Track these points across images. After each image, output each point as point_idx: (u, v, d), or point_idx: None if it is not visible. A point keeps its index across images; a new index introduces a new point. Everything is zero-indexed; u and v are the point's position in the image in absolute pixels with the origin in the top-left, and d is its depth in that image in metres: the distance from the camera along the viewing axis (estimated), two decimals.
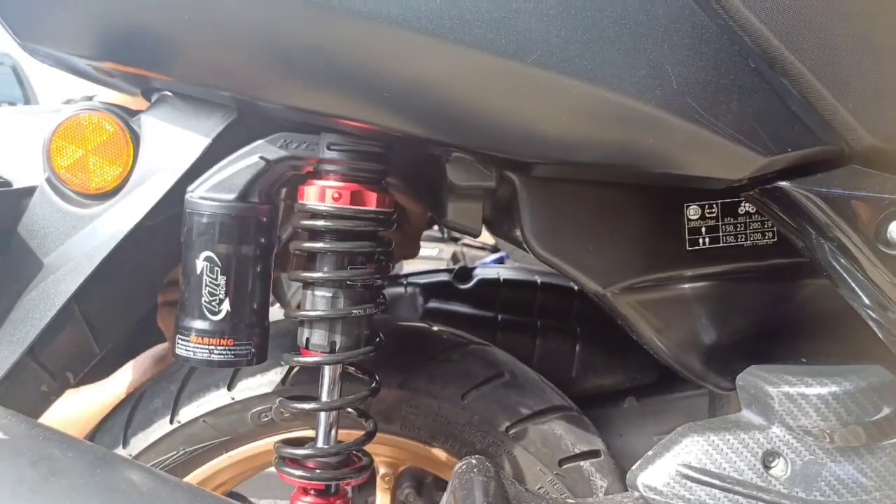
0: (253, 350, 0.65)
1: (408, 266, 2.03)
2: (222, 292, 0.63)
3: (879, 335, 0.61)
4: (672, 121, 0.50)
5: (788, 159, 0.49)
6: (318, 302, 0.65)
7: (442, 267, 1.31)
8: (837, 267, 0.54)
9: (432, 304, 1.09)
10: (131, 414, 0.77)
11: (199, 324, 0.63)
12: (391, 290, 1.13)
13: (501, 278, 1.14)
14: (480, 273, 1.16)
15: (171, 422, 0.76)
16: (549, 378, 0.87)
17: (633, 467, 0.66)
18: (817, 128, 0.48)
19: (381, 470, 0.85)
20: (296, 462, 0.67)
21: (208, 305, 0.63)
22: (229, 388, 0.76)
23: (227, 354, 0.63)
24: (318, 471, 0.66)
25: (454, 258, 2.46)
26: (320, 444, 0.66)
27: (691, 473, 0.63)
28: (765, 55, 0.47)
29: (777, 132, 0.48)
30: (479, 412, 0.79)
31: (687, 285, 0.67)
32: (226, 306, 0.63)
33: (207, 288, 0.63)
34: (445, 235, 2.52)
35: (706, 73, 0.48)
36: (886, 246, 0.50)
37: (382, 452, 0.82)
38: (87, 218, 0.68)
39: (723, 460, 0.63)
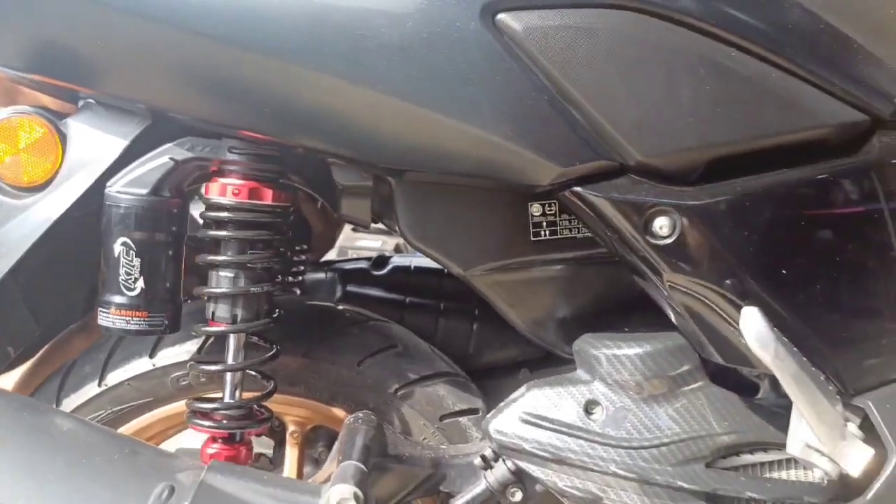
0: (166, 321, 0.77)
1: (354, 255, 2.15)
2: (136, 272, 0.75)
3: (664, 309, 0.76)
4: (490, 138, 0.64)
5: (579, 170, 0.64)
6: (222, 281, 0.77)
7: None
8: (624, 255, 0.69)
9: (350, 288, 1.22)
10: (63, 379, 0.89)
11: (118, 298, 0.75)
12: (313, 276, 1.26)
13: (412, 266, 1.28)
14: (396, 261, 1.30)
15: (99, 385, 0.88)
16: (449, 353, 1.01)
17: (487, 416, 0.80)
18: (597, 146, 0.63)
19: (290, 427, 0.98)
20: (205, 415, 0.79)
21: (125, 283, 0.75)
22: (151, 356, 0.89)
23: (142, 324, 0.76)
24: (224, 422, 0.79)
25: (397, 249, 2.59)
26: (226, 399, 0.79)
27: (529, 419, 0.78)
28: (555, 89, 0.62)
29: (568, 149, 0.63)
30: (373, 377, 0.92)
31: (533, 270, 0.81)
32: (140, 284, 0.75)
33: (124, 268, 0.75)
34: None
35: (512, 103, 0.62)
36: (653, 237, 0.65)
37: (290, 412, 0.95)
38: (21, 207, 0.79)
39: (554, 408, 0.78)
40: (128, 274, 0.75)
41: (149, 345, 0.89)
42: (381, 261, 1.29)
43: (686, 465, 0.74)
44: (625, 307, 0.84)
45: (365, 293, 1.21)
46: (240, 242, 0.77)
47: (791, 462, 0.76)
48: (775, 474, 0.76)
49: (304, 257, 1.17)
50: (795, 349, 0.61)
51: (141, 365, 0.89)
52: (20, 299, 0.87)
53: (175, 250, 0.77)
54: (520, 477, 0.81)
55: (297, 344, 0.91)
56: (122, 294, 0.75)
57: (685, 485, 0.74)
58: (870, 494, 0.65)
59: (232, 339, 0.79)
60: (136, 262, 0.75)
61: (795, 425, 0.69)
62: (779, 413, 0.75)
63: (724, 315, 0.66)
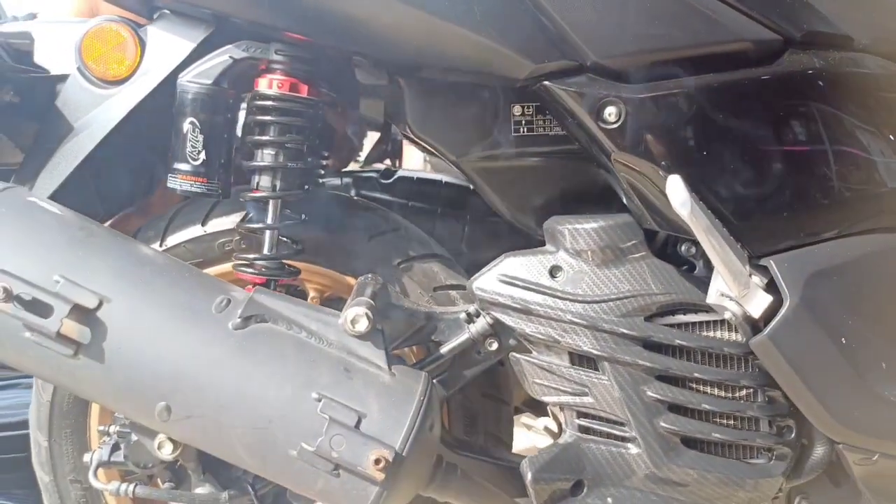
0: (220, 188, 0.97)
1: None
2: (200, 145, 0.94)
3: (629, 209, 0.96)
4: (480, 39, 0.82)
5: (548, 67, 0.83)
6: (266, 156, 0.97)
7: None
8: (584, 141, 0.88)
9: (362, 192, 1.42)
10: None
11: (185, 166, 0.95)
12: (331, 181, 1.46)
13: (416, 177, 1.48)
14: (402, 173, 1.49)
15: (161, 245, 1.08)
16: (447, 249, 1.21)
17: (471, 278, 1.00)
18: (563, 47, 0.81)
19: (311, 293, 1.19)
20: (249, 265, 1.00)
21: (191, 154, 0.95)
22: (203, 224, 1.09)
23: (202, 188, 0.96)
24: (262, 270, 0.99)
25: None
26: (265, 252, 0.99)
27: (505, 279, 0.98)
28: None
29: (540, 49, 0.82)
30: (380, 252, 1.12)
31: (514, 160, 1.00)
32: (202, 155, 0.95)
33: (190, 142, 0.94)
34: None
35: (497, 10, 0.81)
36: (603, 123, 0.84)
37: (311, 279, 1.15)
38: (106, 96, 0.99)
39: (526, 271, 0.97)
40: (193, 147, 0.94)
41: (202, 214, 1.09)
42: (389, 173, 1.49)
43: (628, 316, 0.94)
44: (588, 197, 1.03)
45: (373, 196, 1.41)
46: (280, 126, 0.96)
47: (718, 325, 0.96)
48: (704, 333, 0.96)
49: (326, 162, 1.37)
50: (710, 212, 0.81)
51: (194, 231, 1.08)
52: (90, 181, 1.07)
53: (229, 132, 0.96)
54: (496, 330, 1.02)
55: (320, 221, 1.10)
56: (188, 163, 0.94)
57: (626, 331, 0.94)
58: (768, 330, 0.85)
59: (271, 204, 0.98)
60: (200, 137, 0.94)
61: (713, 280, 0.88)
62: (708, 281, 0.95)
63: (658, 188, 0.85)
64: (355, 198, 1.18)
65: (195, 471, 0.97)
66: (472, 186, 1.48)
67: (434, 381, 0.98)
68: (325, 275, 1.14)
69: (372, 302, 0.91)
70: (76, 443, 1.11)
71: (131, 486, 0.96)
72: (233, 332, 0.81)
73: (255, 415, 0.78)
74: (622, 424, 0.95)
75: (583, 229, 0.96)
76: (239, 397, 0.78)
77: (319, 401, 0.79)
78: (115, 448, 0.97)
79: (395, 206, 1.40)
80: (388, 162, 1.62)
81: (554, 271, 0.97)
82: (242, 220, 1.08)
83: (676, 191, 0.79)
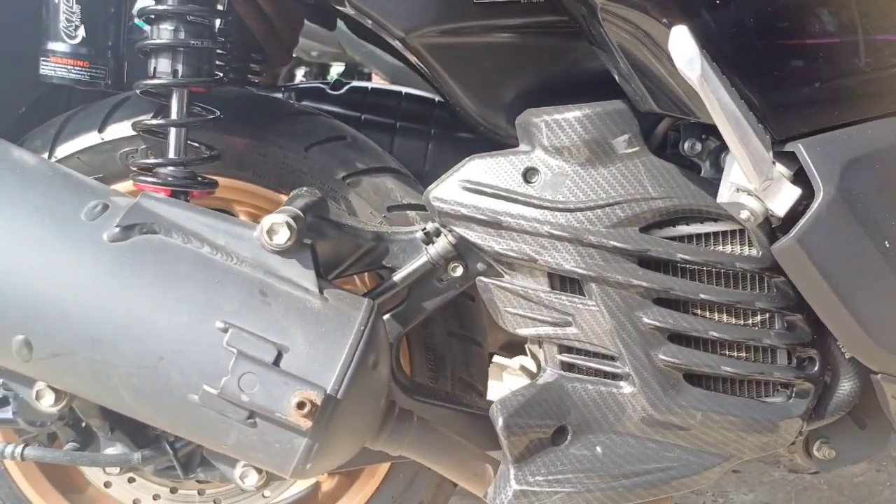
0: (108, 76, 0.77)
1: None
2: (77, 19, 0.74)
3: (624, 89, 0.77)
4: None
5: None
6: (163, 32, 0.76)
7: None
8: (589, 27, 0.69)
9: (305, 105, 1.22)
10: None
11: (60, 46, 0.75)
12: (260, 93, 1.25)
13: (370, 87, 1.27)
14: (354, 84, 1.29)
15: (49, 157, 0.88)
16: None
17: (428, 188, 0.82)
18: None
19: (241, 217, 0.99)
20: (149, 171, 0.80)
21: (66, 30, 0.74)
22: (100, 131, 0.88)
23: (83, 74, 0.76)
24: (169, 179, 0.80)
25: None
26: (170, 155, 0.79)
27: (469, 185, 0.79)
28: None
29: None
30: (320, 163, 0.93)
31: (476, 36, 0.80)
32: (81, 32, 0.75)
33: (64, 14, 0.74)
34: None
35: None
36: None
37: (240, 199, 0.96)
38: None
39: (494, 176, 0.79)
40: (68, 21, 0.74)
41: (99, 118, 0.88)
42: (339, 83, 1.28)
43: (620, 227, 0.77)
44: (571, 85, 0.84)
45: (319, 108, 1.21)
46: None
47: (728, 236, 0.79)
48: (712, 247, 0.79)
49: (256, 66, 1.16)
50: (724, 77, 0.63)
51: (91, 138, 0.88)
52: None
53: (116, 1, 0.76)
54: (461, 251, 0.84)
55: (245, 125, 0.91)
56: (64, 41, 0.74)
57: (618, 245, 0.76)
58: (795, 231, 0.68)
59: (175, 96, 0.78)
60: (77, 7, 0.74)
61: (727, 171, 0.71)
62: (716, 183, 0.77)
63: (659, 48, 0.67)
64: (286, 99, 0.98)
65: (101, 428, 0.79)
66: (437, 98, 1.30)
67: (381, 311, 0.80)
68: (254, 192, 0.95)
69: (298, 211, 0.72)
70: None
71: (19, 448, 0.78)
72: (109, 244, 0.61)
73: (140, 350, 0.60)
74: (612, 359, 0.79)
75: (563, 120, 0.77)
76: (118, 327, 0.60)
77: (226, 331, 0.61)
78: (3, 403, 0.78)
79: (345, 120, 1.19)
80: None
81: (529, 174, 0.79)
82: (154, 116, 0.88)
83: (682, 46, 0.60)
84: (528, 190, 0.78)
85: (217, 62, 1.18)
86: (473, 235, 0.79)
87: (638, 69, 0.70)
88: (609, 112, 0.77)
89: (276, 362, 0.60)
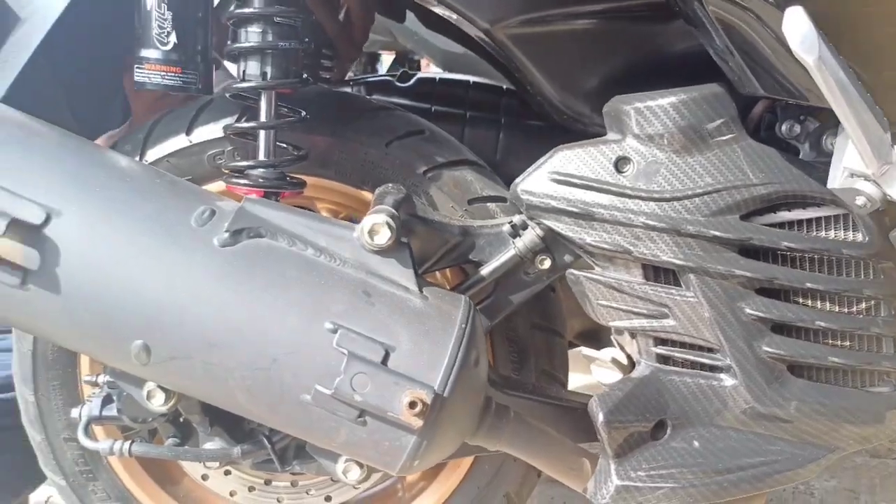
0: (199, 80, 0.78)
1: None
2: (169, 25, 0.75)
3: (724, 71, 0.75)
4: None
5: None
6: (251, 35, 0.77)
7: None
8: (686, 7, 0.66)
9: (375, 98, 1.22)
10: None
11: (153, 53, 0.75)
12: (339, 90, 1.26)
13: (438, 78, 1.27)
14: (422, 75, 1.28)
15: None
16: None
17: (515, 181, 0.81)
18: None
19: (324, 215, 1.00)
20: (240, 174, 0.81)
21: (158, 37, 0.75)
22: (188, 133, 0.90)
23: (176, 80, 0.76)
24: (260, 180, 0.80)
25: None
26: (261, 157, 0.80)
27: (558, 177, 0.78)
28: None
29: None
30: (401, 158, 0.93)
31: (560, 23, 0.79)
32: (173, 38, 0.75)
33: (157, 21, 0.75)
34: None
35: None
36: None
37: (322, 197, 0.97)
38: None
39: (584, 167, 0.78)
40: (161, 27, 0.75)
41: (186, 121, 0.90)
42: (406, 75, 1.28)
43: (720, 215, 0.75)
44: (658, 70, 0.82)
45: (390, 101, 1.21)
46: None
47: (830, 221, 0.76)
48: (816, 233, 0.76)
49: (329, 63, 1.17)
50: (842, 58, 0.60)
51: (179, 141, 0.90)
52: (63, 102, 0.89)
53: (204, 7, 0.77)
54: (548, 244, 0.83)
55: (326, 124, 0.91)
56: (156, 48, 0.75)
57: (718, 234, 0.74)
58: None
59: (263, 98, 0.79)
60: (168, 14, 0.75)
61: (839, 156, 0.68)
62: (819, 167, 0.74)
63: (765, 33, 0.64)
64: (364, 96, 0.98)
65: (201, 424, 0.81)
66: (505, 87, 1.29)
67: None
68: (336, 190, 0.95)
69: (394, 211, 0.72)
70: (67, 396, 0.96)
71: (126, 444, 0.80)
72: (219, 249, 0.62)
73: (254, 353, 0.60)
74: (712, 351, 0.77)
75: (656, 106, 0.75)
76: (232, 331, 0.60)
77: (335, 332, 0.61)
78: (108, 401, 0.81)
79: (416, 113, 1.19)
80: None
81: (620, 164, 0.77)
82: (238, 119, 0.89)
83: (798, 27, 0.58)
84: (620, 180, 0.77)
85: None
86: (564, 228, 0.78)
87: (742, 51, 0.68)
88: (705, 96, 0.75)
89: (385, 361, 0.61)
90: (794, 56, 0.59)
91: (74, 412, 0.81)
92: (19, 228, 0.60)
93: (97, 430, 0.93)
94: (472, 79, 1.28)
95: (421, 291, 0.67)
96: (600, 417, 0.74)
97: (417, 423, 0.59)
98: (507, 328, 0.97)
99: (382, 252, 0.68)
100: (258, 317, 0.60)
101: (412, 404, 0.58)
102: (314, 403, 0.60)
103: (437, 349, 0.63)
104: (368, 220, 0.68)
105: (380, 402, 0.59)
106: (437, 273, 0.98)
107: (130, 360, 0.62)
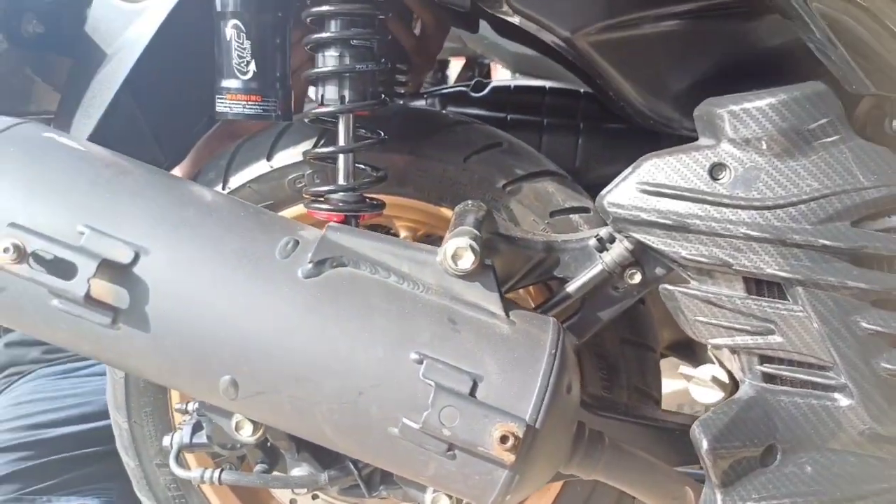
0: (279, 108, 0.78)
1: None
2: (248, 54, 0.75)
3: (829, 67, 0.69)
4: None
5: None
6: (328, 60, 0.76)
7: None
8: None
9: (449, 110, 1.20)
10: None
11: (233, 83, 0.76)
12: (414, 103, 1.25)
13: (512, 86, 1.24)
14: (496, 83, 1.26)
15: (223, 188, 0.91)
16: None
17: (601, 193, 0.77)
18: None
19: (402, 234, 0.99)
20: (321, 199, 0.81)
21: (238, 66, 0.76)
22: (268, 159, 0.91)
23: (256, 108, 0.77)
24: (340, 204, 0.80)
25: None
26: (340, 182, 0.80)
27: (648, 188, 0.74)
28: None
29: None
30: (480, 173, 0.91)
31: (645, 26, 0.75)
32: (252, 67, 0.76)
33: (236, 52, 0.75)
34: None
35: None
36: None
37: (400, 215, 0.95)
38: (139, 11, 0.81)
39: (676, 175, 0.73)
40: (240, 57, 0.75)
41: (266, 147, 0.91)
42: (480, 85, 1.26)
43: (828, 222, 0.69)
44: (751, 70, 0.77)
45: (465, 112, 1.19)
46: (343, 18, 0.75)
47: None
48: None
49: (403, 78, 1.16)
50: None
51: (260, 167, 0.91)
52: (146, 127, 0.91)
53: (282, 34, 0.77)
54: (638, 257, 0.78)
55: (403, 142, 0.90)
56: (237, 78, 0.76)
57: (828, 243, 0.69)
58: None
59: (341, 122, 0.78)
60: (247, 44, 0.75)
61: None
62: None
63: (878, 27, 0.58)
64: (443, 111, 0.97)
65: (289, 450, 0.81)
66: (582, 90, 1.25)
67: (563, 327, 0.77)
68: (415, 208, 0.94)
69: (476, 231, 0.70)
70: (159, 423, 0.98)
71: (216, 473, 0.81)
72: (304, 281, 0.62)
73: (340, 386, 0.59)
74: (825, 369, 0.71)
75: (753, 108, 0.70)
76: (319, 365, 0.60)
77: (421, 363, 0.59)
78: (197, 428, 0.82)
79: (492, 122, 1.17)
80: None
81: (716, 171, 0.72)
82: (315, 143, 0.89)
83: None
84: (716, 188, 0.72)
85: None
86: (656, 241, 0.74)
87: (851, 47, 0.62)
88: (807, 96, 0.69)
89: (473, 393, 0.59)
90: None
91: (166, 440, 0.82)
92: (109, 269, 0.61)
93: (189, 455, 0.95)
94: (547, 84, 1.25)
95: (507, 315, 0.65)
96: (704, 445, 0.70)
97: (510, 457, 0.56)
98: (595, 344, 0.93)
99: (466, 276, 0.66)
100: (343, 348, 0.59)
101: (503, 438, 0.56)
102: (402, 437, 0.59)
103: (527, 378, 0.60)
104: (451, 244, 0.66)
105: (469, 436, 0.57)
106: (520, 290, 0.95)
107: (219, 395, 0.62)
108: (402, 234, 1.00)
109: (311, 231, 0.68)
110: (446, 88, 1.28)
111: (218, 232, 0.63)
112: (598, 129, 1.18)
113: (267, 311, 0.60)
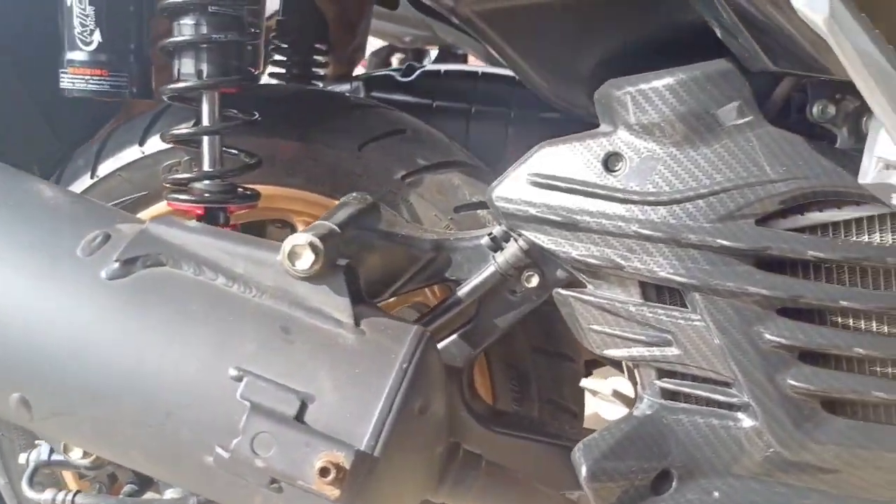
0: (131, 83, 0.70)
1: None
2: (92, 22, 0.67)
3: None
4: None
5: None
6: (184, 28, 0.68)
7: None
8: None
9: (374, 94, 1.12)
10: (59, 176, 0.85)
11: (76, 55, 0.68)
12: (338, 88, 1.16)
13: (443, 71, 1.15)
14: (427, 68, 1.17)
15: (92, 177, 0.83)
16: (484, 160, 0.90)
17: (491, 185, 0.69)
18: None
19: (300, 227, 0.91)
20: (182, 188, 0.72)
21: (80, 36, 0.67)
22: (140, 144, 0.82)
23: (103, 84, 0.69)
24: (204, 195, 0.72)
25: None
26: (205, 168, 0.71)
27: (539, 180, 0.66)
28: None
29: None
30: (376, 162, 0.82)
31: None
32: (97, 35, 0.67)
33: (78, 19, 0.67)
34: None
35: None
36: None
37: (293, 208, 0.87)
38: None
39: (568, 166, 0.65)
40: (83, 25, 0.67)
41: (140, 131, 0.82)
42: (410, 69, 1.17)
43: (730, 220, 0.61)
44: (657, 49, 0.68)
45: (389, 98, 1.10)
46: None
47: (873, 224, 0.61)
48: (853, 238, 0.61)
49: (322, 58, 1.08)
50: (865, 16, 0.45)
51: (132, 153, 0.82)
52: (39, 118, 0.83)
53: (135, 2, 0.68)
54: (535, 258, 0.70)
55: (292, 127, 0.82)
56: (80, 49, 0.68)
57: (728, 243, 0.61)
58: None
59: (205, 99, 0.70)
60: (91, 10, 0.67)
61: (871, 144, 0.53)
62: (857, 156, 0.59)
63: None
64: (342, 93, 0.88)
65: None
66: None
67: (445, 333, 0.69)
68: (310, 201, 0.86)
69: (334, 227, 0.62)
70: (28, 438, 0.90)
71: (69, 496, 0.72)
72: (107, 282, 0.53)
73: (145, 406, 0.51)
74: (726, 385, 0.63)
75: (652, 90, 0.62)
76: (119, 381, 0.52)
77: (240, 379, 0.51)
78: None
79: (417, 109, 1.08)
80: None
81: (610, 161, 0.64)
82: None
83: None
84: (609, 181, 0.64)
85: (279, 57, 1.12)
86: (546, 240, 0.66)
87: (746, 19, 0.53)
88: (710, 75, 0.61)
89: (300, 416, 0.50)
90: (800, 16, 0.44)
91: (22, 458, 0.74)
92: None
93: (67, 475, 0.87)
94: (482, 69, 1.16)
95: (357, 324, 0.57)
96: (583, 470, 0.62)
97: (333, 492, 0.48)
98: (505, 353, 0.85)
99: (312, 279, 0.58)
100: (149, 361, 0.51)
101: (324, 471, 0.48)
102: (217, 466, 0.50)
103: (368, 396, 0.52)
104: (289, 241, 0.57)
105: (286, 467, 0.49)
106: (426, 291, 0.87)
107: (13, 416, 0.54)
108: (300, 227, 0.92)
109: (132, 225, 0.59)
110: (374, 73, 1.19)
111: (16, 224, 0.54)
112: (531, 117, 1.09)
113: (61, 319, 0.52)
